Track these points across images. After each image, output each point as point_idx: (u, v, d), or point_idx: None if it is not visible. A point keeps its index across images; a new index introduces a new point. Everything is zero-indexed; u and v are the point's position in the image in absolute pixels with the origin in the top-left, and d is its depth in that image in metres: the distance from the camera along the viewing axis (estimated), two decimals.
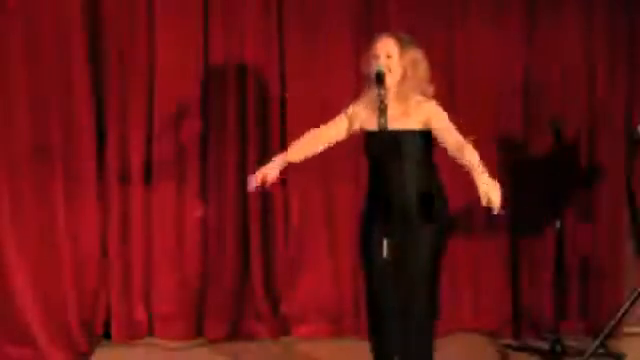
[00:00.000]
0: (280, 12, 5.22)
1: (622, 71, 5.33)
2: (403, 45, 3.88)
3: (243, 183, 5.24)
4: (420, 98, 3.89)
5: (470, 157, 3.60)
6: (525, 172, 5.32)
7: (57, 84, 4.98)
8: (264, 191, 4.67)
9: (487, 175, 3.49)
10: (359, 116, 3.99)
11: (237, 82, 5.22)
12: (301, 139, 4.07)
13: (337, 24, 5.20)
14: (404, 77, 3.87)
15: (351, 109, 4.03)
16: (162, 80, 5.15)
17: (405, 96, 3.86)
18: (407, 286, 3.80)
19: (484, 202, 3.42)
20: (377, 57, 3.85)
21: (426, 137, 3.86)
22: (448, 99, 5.17)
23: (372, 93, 3.88)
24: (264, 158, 5.21)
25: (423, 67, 3.91)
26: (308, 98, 5.17)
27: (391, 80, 3.83)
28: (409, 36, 3.95)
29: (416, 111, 3.86)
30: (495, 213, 3.41)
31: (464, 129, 5.02)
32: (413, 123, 3.84)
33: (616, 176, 5.35)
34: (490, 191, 3.42)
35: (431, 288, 3.87)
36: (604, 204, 5.35)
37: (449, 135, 3.76)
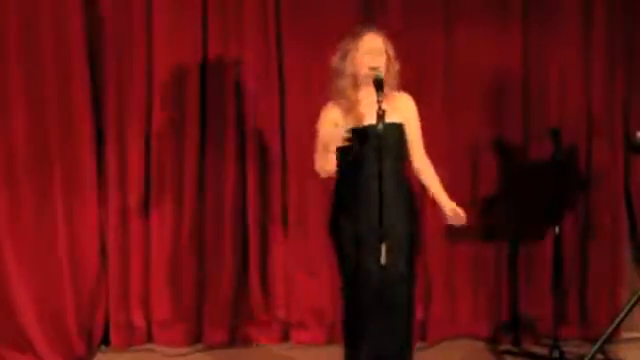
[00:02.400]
0: (278, 14, 5.22)
1: (620, 78, 5.33)
2: (385, 40, 3.95)
3: (241, 188, 5.27)
4: (396, 92, 3.98)
5: (430, 182, 4.04)
6: (524, 178, 5.32)
7: (55, 87, 4.98)
8: None
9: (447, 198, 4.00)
10: (338, 118, 3.94)
11: (236, 86, 5.22)
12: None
13: (336, 25, 5.18)
14: (387, 71, 3.91)
15: (326, 118, 3.98)
16: (161, 82, 5.16)
17: (387, 89, 3.88)
18: (392, 287, 3.86)
19: (450, 221, 3.98)
20: (371, 52, 3.87)
21: (404, 129, 3.96)
22: (447, 105, 5.22)
23: (349, 90, 3.92)
24: (263, 162, 5.26)
25: (396, 62, 3.97)
26: (307, 101, 5.17)
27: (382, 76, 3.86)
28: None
29: (396, 105, 3.92)
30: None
31: (461, 134, 5.06)
32: (394, 117, 3.89)
33: (615, 182, 5.36)
34: (456, 216, 3.94)
35: (413, 287, 4.02)
36: (603, 210, 5.35)
37: (414, 144, 4.01)
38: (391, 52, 3.94)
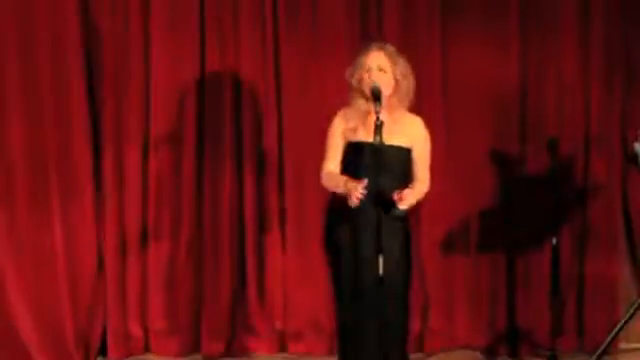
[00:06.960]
0: (276, 25, 5.23)
1: (618, 89, 5.35)
2: (394, 58, 3.91)
3: (239, 198, 5.28)
4: (407, 113, 3.96)
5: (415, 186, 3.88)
6: (521, 189, 5.33)
7: (53, 99, 4.99)
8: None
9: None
10: (347, 129, 3.95)
11: (233, 96, 5.23)
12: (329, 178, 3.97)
13: (333, 37, 5.21)
14: (394, 90, 3.89)
15: (337, 128, 3.98)
16: (158, 92, 5.17)
17: (393, 109, 3.89)
18: (389, 299, 3.84)
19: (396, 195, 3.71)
20: (370, 70, 3.87)
21: (410, 153, 3.93)
22: (444, 117, 5.23)
23: (360, 105, 3.91)
24: (260, 172, 5.27)
25: (411, 79, 3.94)
26: (304, 111, 5.18)
27: (384, 94, 3.83)
28: (394, 47, 3.99)
29: (405, 127, 3.91)
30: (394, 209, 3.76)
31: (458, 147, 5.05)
32: (401, 138, 3.89)
33: (612, 193, 5.36)
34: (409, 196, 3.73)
35: (407, 300, 4.01)
36: (600, 221, 5.35)
37: (419, 167, 3.95)
38: (400, 69, 3.90)
